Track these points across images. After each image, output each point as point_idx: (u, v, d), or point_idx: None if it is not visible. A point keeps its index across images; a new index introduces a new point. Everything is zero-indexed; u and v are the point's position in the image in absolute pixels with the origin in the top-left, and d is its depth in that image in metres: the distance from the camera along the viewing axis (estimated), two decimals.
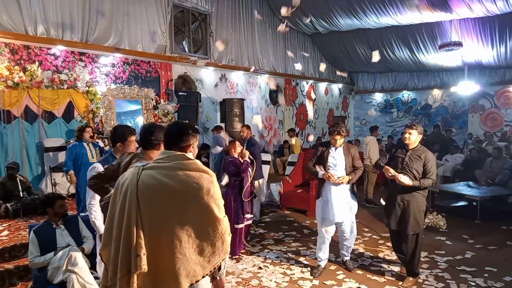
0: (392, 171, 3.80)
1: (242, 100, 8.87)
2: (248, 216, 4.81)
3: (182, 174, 1.81)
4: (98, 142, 5.41)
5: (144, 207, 1.78)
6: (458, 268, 4.37)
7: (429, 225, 5.76)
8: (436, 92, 13.46)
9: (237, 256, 4.68)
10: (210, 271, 1.83)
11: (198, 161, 1.93)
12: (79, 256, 3.21)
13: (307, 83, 12.96)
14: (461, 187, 7.04)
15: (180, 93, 7.83)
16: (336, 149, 4.17)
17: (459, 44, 9.94)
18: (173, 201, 1.78)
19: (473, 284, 3.98)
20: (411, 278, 3.97)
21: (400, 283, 3.98)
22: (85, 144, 5.07)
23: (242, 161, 4.76)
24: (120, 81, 7.61)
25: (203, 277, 1.81)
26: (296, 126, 12.51)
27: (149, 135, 2.38)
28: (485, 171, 7.87)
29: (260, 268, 4.43)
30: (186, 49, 8.54)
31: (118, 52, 7.36)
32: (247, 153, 4.87)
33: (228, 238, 1.86)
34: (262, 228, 5.95)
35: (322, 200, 4.21)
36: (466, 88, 11.04)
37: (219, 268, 1.93)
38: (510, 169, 7.55)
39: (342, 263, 4.44)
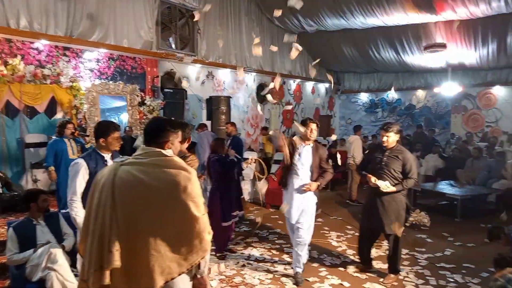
0: (373, 179, 3.86)
1: (229, 98, 8.85)
2: (235, 213, 4.81)
3: (159, 171, 1.81)
4: (80, 139, 5.33)
5: (119, 203, 1.77)
6: (438, 265, 4.47)
7: (414, 222, 5.88)
8: (420, 93, 13.67)
9: (221, 254, 4.69)
10: (188, 269, 1.82)
11: (177, 158, 1.92)
12: (59, 253, 3.17)
13: (294, 82, 13.01)
14: (443, 186, 7.18)
15: (166, 90, 7.77)
16: (305, 146, 4.00)
17: (443, 45, 10.12)
18: (149, 198, 1.77)
19: (451, 280, 4.07)
20: (392, 275, 4.05)
21: (381, 279, 4.04)
22: (66, 140, 5.00)
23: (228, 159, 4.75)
24: (104, 77, 7.50)
25: (179, 274, 1.80)
26: (282, 125, 12.56)
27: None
28: (466, 170, 8.05)
29: (243, 265, 4.45)
30: (173, 46, 8.48)
31: (103, 47, 7.26)
32: (232, 152, 4.87)
33: (207, 236, 1.84)
34: (247, 226, 5.97)
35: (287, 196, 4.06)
36: (449, 89, 11.24)
37: (199, 266, 1.91)
38: (490, 169, 7.74)
39: (293, 275, 4.07)
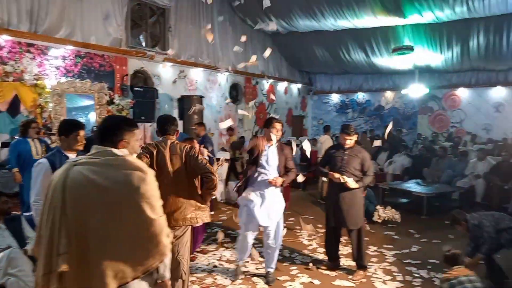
0: (337, 175, 4.00)
1: (201, 97, 8.77)
2: None
3: (109, 171, 1.75)
4: (45, 139, 5.13)
5: (69, 205, 1.71)
6: (405, 261, 4.60)
7: (386, 219, 6.03)
8: (389, 94, 14.05)
9: (192, 255, 4.63)
10: (143, 273, 1.75)
11: (131, 158, 1.85)
12: (21, 258, 3.04)
13: (267, 82, 13.06)
14: (409, 185, 7.40)
15: (136, 89, 7.60)
16: (270, 147, 3.93)
17: (410, 48, 10.44)
18: (100, 199, 1.71)
19: (417, 276, 4.20)
20: (360, 271, 4.15)
21: (350, 276, 4.12)
22: (29, 140, 4.81)
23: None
24: (71, 75, 7.25)
25: (134, 279, 1.73)
26: (255, 125, 12.57)
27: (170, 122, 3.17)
28: (432, 169, 8.34)
29: (215, 266, 4.42)
30: (143, 44, 8.31)
31: (70, 44, 7.02)
32: (205, 151, 4.82)
33: (165, 239, 1.77)
34: (218, 227, 5.93)
35: (249, 201, 3.89)
36: (416, 90, 11.62)
37: (158, 271, 1.84)
38: (454, 168, 8.05)
39: (264, 275, 4.08)
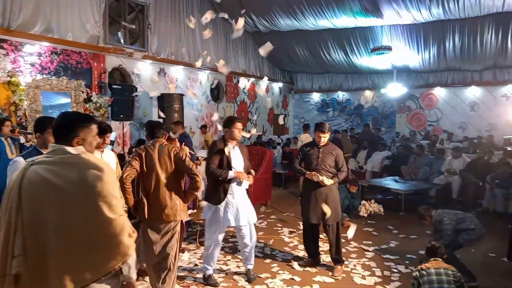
0: (316, 176, 4.06)
1: (182, 95, 8.69)
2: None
3: (63, 170, 1.68)
4: (19, 138, 4.98)
5: (26, 206, 1.65)
6: (383, 257, 4.68)
7: (371, 213, 6.14)
8: (368, 93, 14.28)
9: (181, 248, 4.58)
10: (104, 276, 1.68)
11: (87, 155, 1.78)
12: None
13: (249, 81, 13.05)
14: (388, 182, 7.54)
15: (114, 86, 7.47)
16: (234, 147, 3.83)
17: (389, 48, 10.63)
18: (57, 200, 1.65)
19: (395, 271, 4.28)
20: (339, 267, 4.21)
21: (330, 273, 4.16)
22: (3, 139, 4.65)
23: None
24: (47, 72, 7.06)
25: (94, 281, 1.67)
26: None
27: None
28: (409, 167, 8.51)
29: (196, 265, 4.39)
30: (122, 41, 8.17)
31: (45, 40, 6.83)
32: (186, 149, 4.78)
33: (126, 239, 1.71)
34: (199, 225, 5.89)
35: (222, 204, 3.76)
36: (395, 90, 11.84)
37: (122, 272, 1.78)
38: (431, 165, 8.24)
39: (245, 273, 4.07)
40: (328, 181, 4.07)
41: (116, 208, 1.70)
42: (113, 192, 1.72)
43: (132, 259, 1.77)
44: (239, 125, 3.82)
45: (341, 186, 6.21)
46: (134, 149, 3.36)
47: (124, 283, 1.81)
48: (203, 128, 10.19)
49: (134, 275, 1.83)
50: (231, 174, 3.71)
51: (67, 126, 1.81)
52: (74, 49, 7.41)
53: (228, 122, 3.84)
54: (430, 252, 3.24)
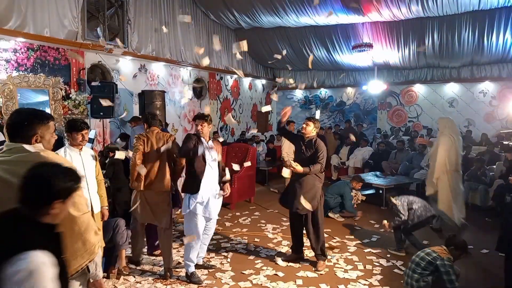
0: (290, 162, 4.13)
1: (163, 92, 8.57)
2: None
3: (22, 169, 1.59)
4: None
5: None
6: (365, 251, 4.74)
7: (357, 202, 6.20)
8: (350, 90, 14.42)
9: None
10: (71, 275, 1.65)
11: (46, 153, 1.74)
12: None
13: (232, 78, 13.00)
14: (369, 177, 7.62)
15: (93, 83, 7.30)
16: (209, 142, 3.94)
17: (369, 45, 10.74)
18: (16, 200, 1.59)
19: (377, 264, 4.34)
20: (321, 262, 4.24)
21: (314, 268, 4.19)
22: None
23: None
24: (23, 69, 6.85)
25: None
26: (220, 121, 12.49)
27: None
28: (390, 162, 8.64)
29: (179, 263, 4.35)
30: (101, 37, 7.99)
31: (21, 36, 6.62)
32: (173, 137, 4.77)
33: (92, 237, 1.69)
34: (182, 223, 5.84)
35: (199, 197, 3.82)
36: (376, 87, 11.99)
37: (89, 270, 1.76)
38: (411, 160, 8.39)
39: (202, 265, 4.19)
40: (298, 167, 4.02)
41: (79, 205, 1.67)
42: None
43: (98, 256, 1.75)
44: (201, 122, 3.85)
45: (346, 182, 6.28)
46: (137, 135, 4.08)
47: (91, 280, 1.79)
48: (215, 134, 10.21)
49: (100, 274, 1.82)
50: (200, 149, 3.74)
51: (24, 124, 1.73)
52: (52, 45, 7.21)
53: (195, 118, 4.04)
54: (449, 242, 3.47)
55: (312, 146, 4.23)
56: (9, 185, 1.59)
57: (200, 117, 3.88)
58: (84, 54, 7.70)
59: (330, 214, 6.16)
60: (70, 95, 7.08)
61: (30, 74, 6.82)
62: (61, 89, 6.98)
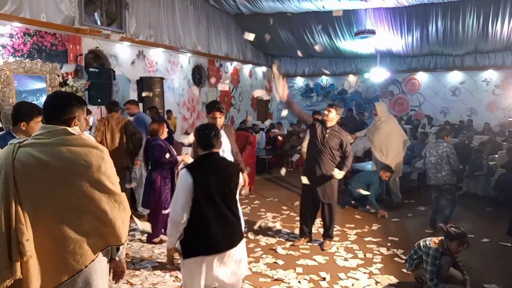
0: (336, 173, 4.15)
1: (162, 79, 8.46)
2: None
3: (66, 151, 1.64)
4: None
5: (23, 189, 1.60)
6: (366, 239, 4.70)
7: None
8: (352, 78, 14.27)
9: (158, 239, 4.50)
10: (101, 250, 1.73)
11: (86, 135, 1.76)
12: None
13: (231, 65, 12.85)
14: (370, 166, 7.53)
15: (91, 70, 7.19)
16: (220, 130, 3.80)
17: (372, 32, 10.57)
18: (58, 181, 1.62)
19: (377, 252, 4.30)
20: (328, 242, 4.41)
21: (321, 247, 4.36)
22: None
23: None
24: (20, 54, 6.74)
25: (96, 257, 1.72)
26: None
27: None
28: None
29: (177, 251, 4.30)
30: (98, 22, 7.85)
31: (17, 21, 6.50)
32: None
33: (128, 216, 1.77)
34: None
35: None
36: (378, 74, 11.84)
37: (118, 249, 1.81)
38: (412, 149, 8.31)
39: None
40: (339, 175, 4.15)
41: (118, 186, 1.75)
42: (113, 171, 1.75)
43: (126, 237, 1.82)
44: (216, 114, 3.69)
45: (375, 171, 6.16)
46: (99, 119, 4.96)
47: (116, 259, 1.84)
48: (169, 113, 10.00)
49: (124, 252, 1.90)
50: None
51: (65, 107, 1.76)
52: (48, 30, 7.08)
53: (207, 108, 3.79)
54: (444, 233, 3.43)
55: (337, 136, 4.23)
56: (50, 167, 1.61)
57: (215, 107, 3.67)
58: (81, 40, 7.57)
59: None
60: (67, 82, 6.97)
61: (27, 60, 6.71)
62: (58, 76, 6.87)
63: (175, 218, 2.27)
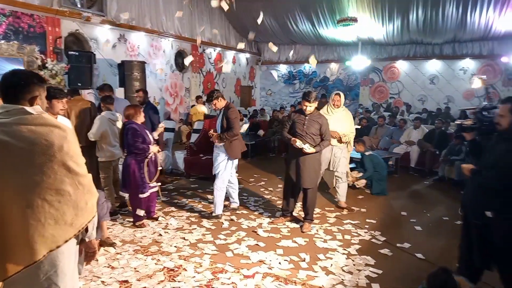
0: (299, 143, 4.26)
1: (143, 63, 8.36)
2: (153, 184, 4.65)
3: (26, 131, 1.58)
4: None
5: None
6: (344, 222, 4.85)
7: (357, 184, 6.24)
8: (334, 66, 14.39)
9: (141, 222, 4.54)
10: (75, 235, 1.68)
11: (46, 115, 1.70)
12: None
13: (215, 51, 12.76)
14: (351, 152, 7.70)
15: (70, 53, 7.04)
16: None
17: (354, 19, 10.66)
18: (18, 162, 1.56)
19: (355, 234, 4.46)
20: (307, 224, 4.56)
21: (301, 229, 4.47)
22: None
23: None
24: None
25: (66, 241, 1.65)
26: (203, 94, 12.34)
27: None
28: (371, 137, 8.76)
29: (160, 234, 4.36)
30: (78, 4, 7.66)
31: None
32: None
33: (93, 198, 1.72)
34: (165, 196, 5.84)
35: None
36: (359, 62, 11.99)
37: (86, 230, 1.78)
38: (391, 135, 8.53)
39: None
40: (309, 149, 4.26)
41: (83, 167, 1.70)
42: (77, 151, 1.70)
43: (96, 217, 1.79)
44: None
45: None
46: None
47: (86, 239, 1.81)
48: (199, 99, 10.09)
49: (95, 234, 1.86)
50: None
51: (26, 85, 1.69)
52: (25, 11, 6.88)
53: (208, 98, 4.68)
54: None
55: (316, 121, 4.36)
56: (10, 147, 1.54)
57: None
58: (60, 22, 7.38)
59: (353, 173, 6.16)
60: (47, 65, 6.82)
61: (3, 41, 6.53)
62: (37, 58, 6.72)
63: None
